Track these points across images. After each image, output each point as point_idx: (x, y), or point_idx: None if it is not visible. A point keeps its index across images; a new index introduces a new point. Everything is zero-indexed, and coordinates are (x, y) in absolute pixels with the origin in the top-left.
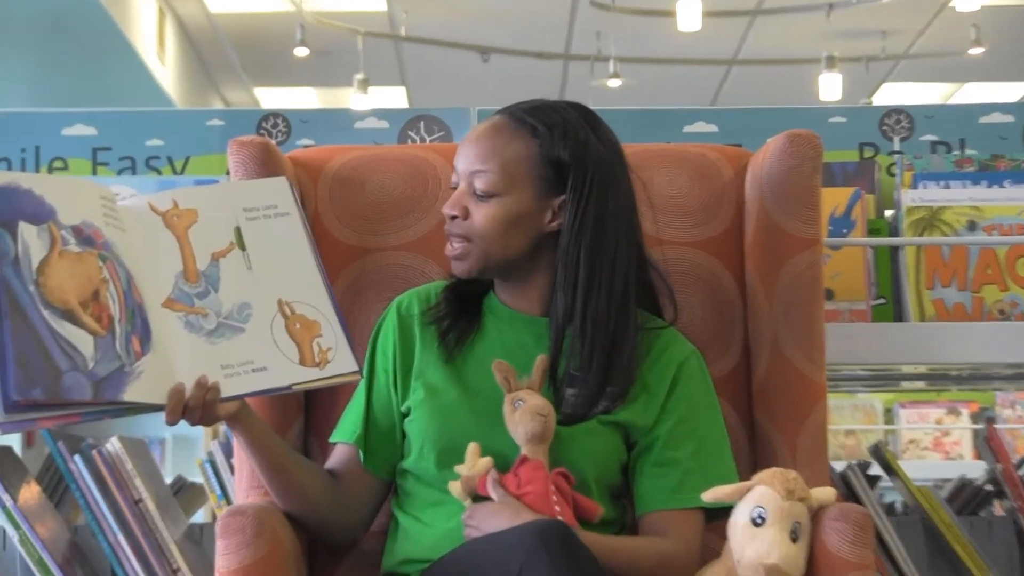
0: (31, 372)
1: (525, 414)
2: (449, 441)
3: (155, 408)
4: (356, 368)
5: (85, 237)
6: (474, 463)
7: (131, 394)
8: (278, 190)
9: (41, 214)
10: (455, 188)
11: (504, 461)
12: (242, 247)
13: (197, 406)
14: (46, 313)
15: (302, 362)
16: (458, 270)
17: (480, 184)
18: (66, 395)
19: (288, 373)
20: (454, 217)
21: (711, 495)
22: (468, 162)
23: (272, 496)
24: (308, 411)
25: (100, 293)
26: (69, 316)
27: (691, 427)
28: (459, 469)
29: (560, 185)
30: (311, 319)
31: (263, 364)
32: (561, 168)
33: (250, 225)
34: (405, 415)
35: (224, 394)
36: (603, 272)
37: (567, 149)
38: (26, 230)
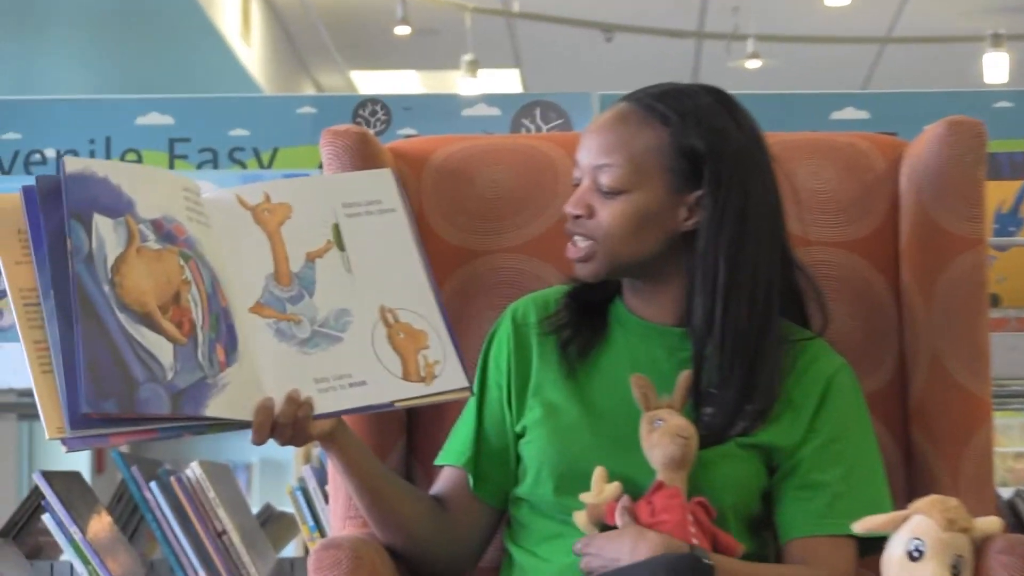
0: (104, 382)
1: (664, 435)
2: (569, 465)
3: (240, 425)
4: (466, 384)
5: (165, 233)
6: (601, 489)
7: (214, 409)
8: (382, 183)
9: (118, 206)
10: (577, 185)
11: (633, 488)
12: (341, 247)
13: (288, 424)
14: (122, 316)
15: (406, 376)
16: (583, 272)
17: (606, 179)
18: (142, 408)
19: (390, 388)
20: (577, 216)
21: (862, 525)
22: (592, 155)
23: (371, 526)
24: (411, 432)
25: (181, 296)
26: (147, 320)
27: (840, 448)
28: (584, 497)
29: (695, 179)
30: (417, 328)
31: (362, 378)
32: (696, 160)
33: (350, 222)
34: (520, 436)
35: (318, 411)
36: (744, 276)
37: (702, 138)
38: (101, 223)
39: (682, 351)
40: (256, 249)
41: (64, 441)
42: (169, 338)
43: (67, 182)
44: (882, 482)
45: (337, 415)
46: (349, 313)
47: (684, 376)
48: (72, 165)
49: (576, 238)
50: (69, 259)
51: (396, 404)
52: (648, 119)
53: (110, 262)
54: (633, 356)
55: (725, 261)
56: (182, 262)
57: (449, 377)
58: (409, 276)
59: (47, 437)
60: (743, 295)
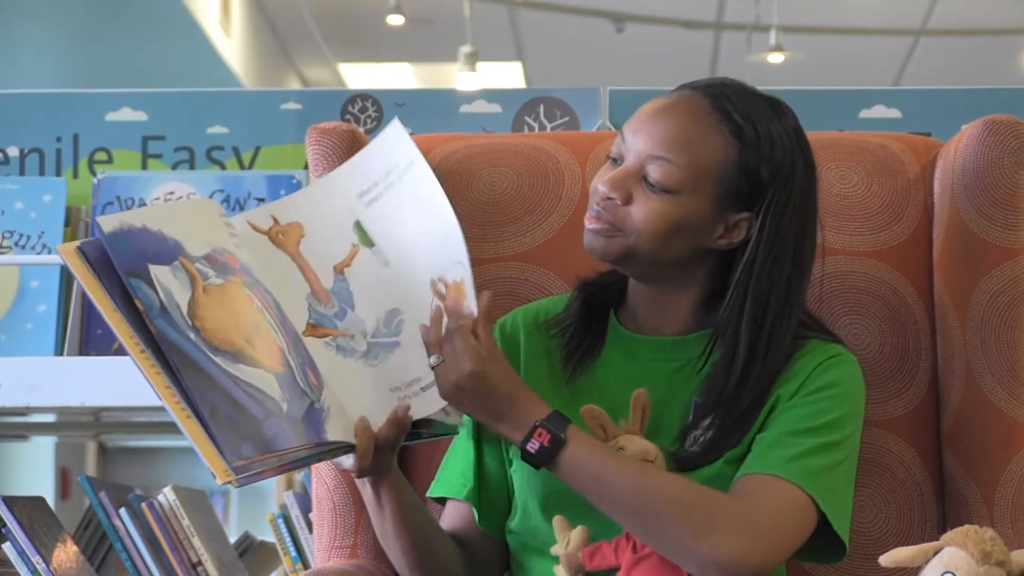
0: (235, 427)
1: None
2: (557, 497)
3: (348, 449)
4: None
5: (220, 265)
6: (566, 538)
7: (331, 432)
8: (390, 143)
9: (165, 251)
10: (615, 160)
11: None
12: (369, 243)
13: (386, 447)
14: (218, 359)
15: None
16: (594, 245)
17: (658, 174)
18: (274, 445)
19: None
20: (610, 199)
21: (889, 558)
22: (650, 142)
23: (404, 570)
24: (402, 458)
25: (260, 325)
26: (241, 357)
27: (801, 412)
28: (555, 550)
29: (745, 200)
30: (459, 280)
31: (431, 378)
32: (758, 184)
33: (371, 210)
34: (511, 463)
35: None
36: (793, 310)
37: (771, 166)
38: (159, 273)
39: (672, 360)
40: (287, 272)
41: (233, 482)
42: (268, 370)
43: (109, 243)
44: (846, 465)
45: (430, 419)
46: (399, 312)
47: (637, 396)
48: (107, 224)
49: (600, 218)
50: (145, 319)
51: None
52: (721, 125)
53: (184, 309)
54: (621, 372)
55: (779, 290)
56: (248, 291)
57: None
58: (447, 230)
59: (219, 483)
60: (791, 323)
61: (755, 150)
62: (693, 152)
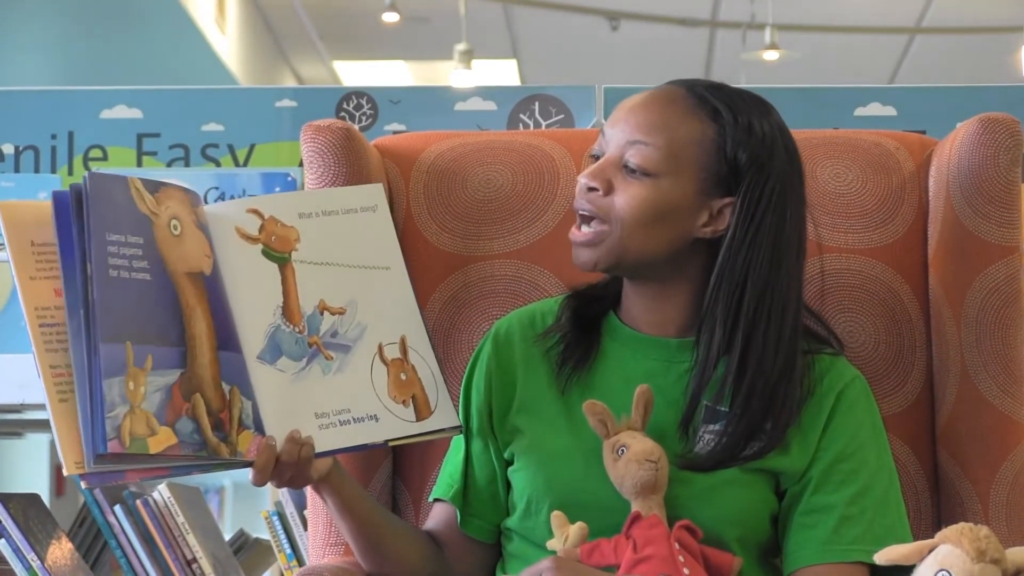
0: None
1: (631, 462)
2: (560, 496)
3: (243, 464)
4: (459, 423)
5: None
6: (565, 534)
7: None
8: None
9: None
10: (596, 158)
11: (626, 514)
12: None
13: (291, 463)
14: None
15: (416, 416)
16: (583, 259)
17: (636, 158)
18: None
19: (388, 426)
20: (592, 189)
21: (884, 556)
22: (627, 130)
23: (366, 568)
24: (396, 451)
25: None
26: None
27: (851, 467)
28: (552, 545)
29: (727, 186)
30: (412, 363)
31: (362, 413)
32: (735, 167)
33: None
34: (508, 463)
35: (317, 449)
36: (774, 305)
37: (748, 149)
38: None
39: (680, 362)
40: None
41: (83, 477)
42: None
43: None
44: (898, 505)
45: (333, 454)
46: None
47: (641, 391)
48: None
49: (585, 221)
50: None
51: (389, 443)
52: (697, 109)
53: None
54: (627, 370)
55: (753, 284)
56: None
57: (443, 414)
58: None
59: (65, 473)
60: (771, 323)
61: (734, 131)
62: (670, 133)
